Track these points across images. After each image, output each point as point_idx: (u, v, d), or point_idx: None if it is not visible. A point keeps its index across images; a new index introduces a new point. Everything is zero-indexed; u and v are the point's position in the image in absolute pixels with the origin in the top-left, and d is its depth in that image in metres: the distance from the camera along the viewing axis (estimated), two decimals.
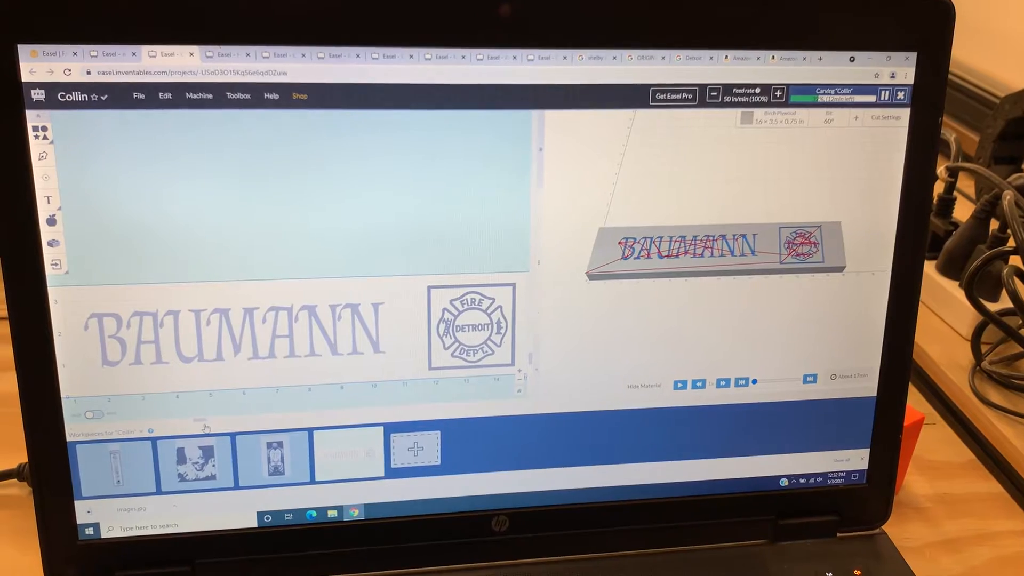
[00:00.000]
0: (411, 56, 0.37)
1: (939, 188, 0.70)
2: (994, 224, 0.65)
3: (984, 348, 0.62)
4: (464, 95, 0.38)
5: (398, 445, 0.41)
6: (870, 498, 0.47)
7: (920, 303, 0.44)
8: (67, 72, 0.35)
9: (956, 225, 0.69)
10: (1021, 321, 0.59)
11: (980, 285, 0.60)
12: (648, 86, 0.39)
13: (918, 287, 0.44)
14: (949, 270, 0.67)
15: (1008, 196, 0.59)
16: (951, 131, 0.73)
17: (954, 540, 0.50)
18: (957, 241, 0.66)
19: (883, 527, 0.48)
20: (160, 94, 0.36)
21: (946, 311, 0.67)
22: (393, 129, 0.38)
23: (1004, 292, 0.57)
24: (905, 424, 0.47)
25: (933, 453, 0.56)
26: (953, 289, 0.66)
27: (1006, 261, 0.59)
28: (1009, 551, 0.50)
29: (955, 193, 0.70)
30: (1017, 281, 0.57)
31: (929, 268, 0.68)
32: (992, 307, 0.61)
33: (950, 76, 0.43)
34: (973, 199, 0.82)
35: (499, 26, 0.38)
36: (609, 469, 0.44)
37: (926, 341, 0.65)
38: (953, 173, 0.69)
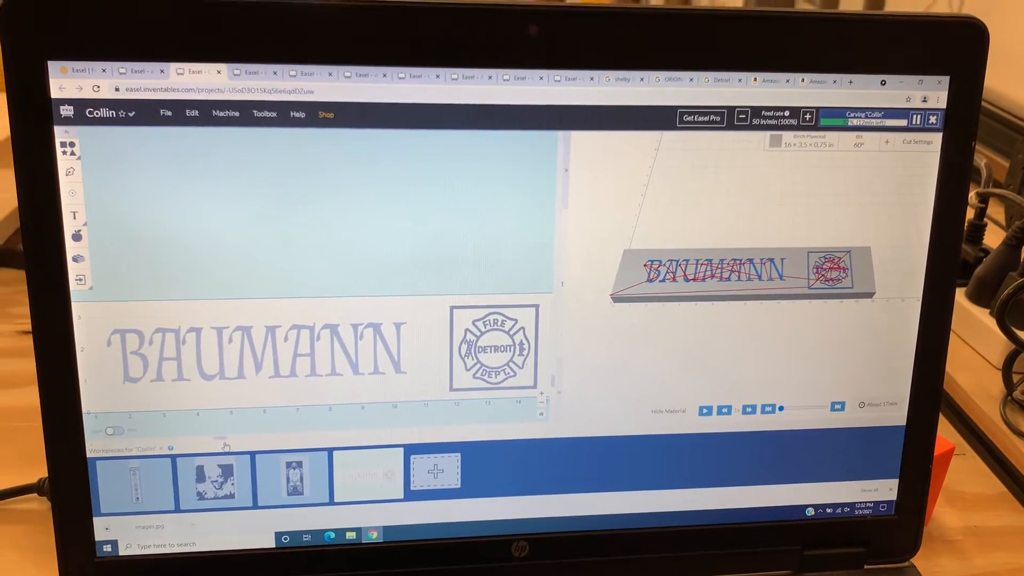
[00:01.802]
0: (438, 76, 0.37)
1: (969, 214, 0.69)
2: None
3: (1016, 378, 0.60)
4: (490, 115, 0.38)
5: (418, 467, 0.41)
6: (899, 530, 0.45)
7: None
8: (96, 89, 0.36)
9: (987, 252, 0.68)
10: None
11: (1012, 313, 0.59)
12: (675, 108, 0.39)
13: (950, 314, 0.43)
14: (979, 298, 0.66)
15: None
16: (981, 156, 0.72)
17: (985, 575, 0.49)
18: (988, 268, 0.65)
19: (912, 560, 0.46)
20: (187, 111, 0.36)
21: (976, 339, 0.65)
22: (419, 148, 0.38)
23: None
24: (935, 454, 0.46)
25: (963, 485, 0.55)
26: (983, 317, 0.65)
27: None
28: None
29: (985, 219, 0.69)
30: None
31: (959, 295, 0.67)
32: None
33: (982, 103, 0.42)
34: (1003, 225, 0.81)
35: (526, 46, 0.38)
36: (632, 496, 0.43)
37: (956, 370, 0.63)
38: (983, 199, 0.68)
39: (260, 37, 0.36)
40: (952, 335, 0.66)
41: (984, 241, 0.70)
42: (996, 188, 0.68)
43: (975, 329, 0.65)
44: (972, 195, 0.67)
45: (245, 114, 0.37)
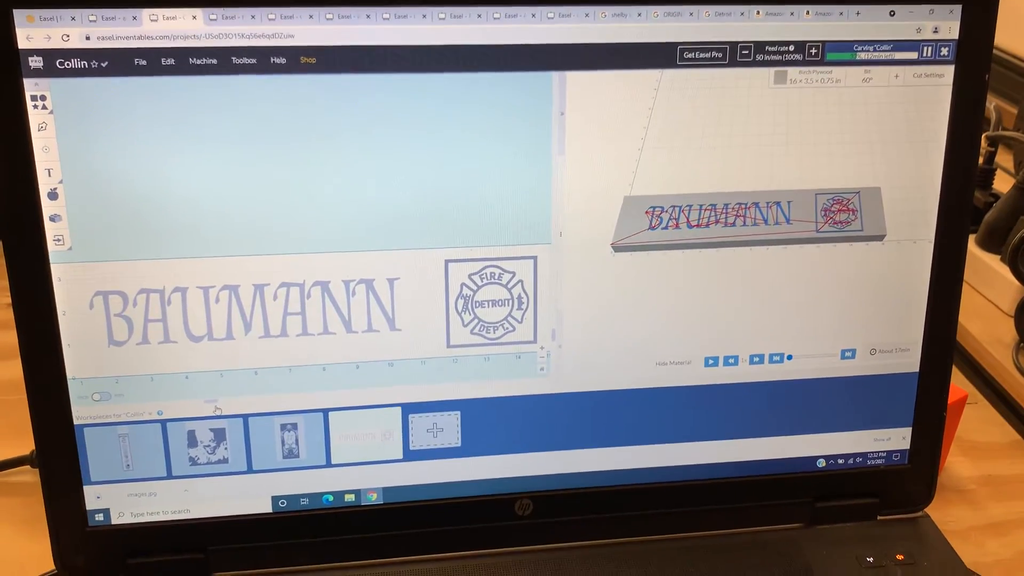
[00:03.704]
0: (424, 16, 0.36)
1: (978, 160, 0.67)
2: None
3: None
4: (480, 56, 0.36)
5: (416, 426, 0.40)
6: (912, 479, 0.44)
7: None
8: (65, 38, 0.34)
9: (997, 197, 0.66)
10: None
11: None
12: (675, 44, 0.37)
13: (963, 256, 0.42)
14: (990, 243, 0.64)
15: None
16: (990, 101, 0.70)
17: (1000, 524, 0.48)
18: (998, 213, 0.64)
19: (926, 510, 0.45)
20: (162, 60, 0.35)
21: (987, 286, 0.64)
22: (406, 94, 0.36)
23: None
24: (948, 402, 0.45)
25: (976, 433, 0.54)
26: (994, 263, 0.63)
27: None
28: None
29: (995, 164, 0.67)
30: None
31: (968, 242, 0.65)
32: None
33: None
34: (1012, 172, 0.79)
35: None
36: (637, 450, 0.42)
37: (966, 317, 0.62)
38: (993, 143, 0.66)
39: None
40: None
41: (994, 187, 0.68)
42: (1006, 131, 0.66)
43: (986, 276, 0.64)
44: (981, 139, 0.65)
45: (223, 61, 0.35)
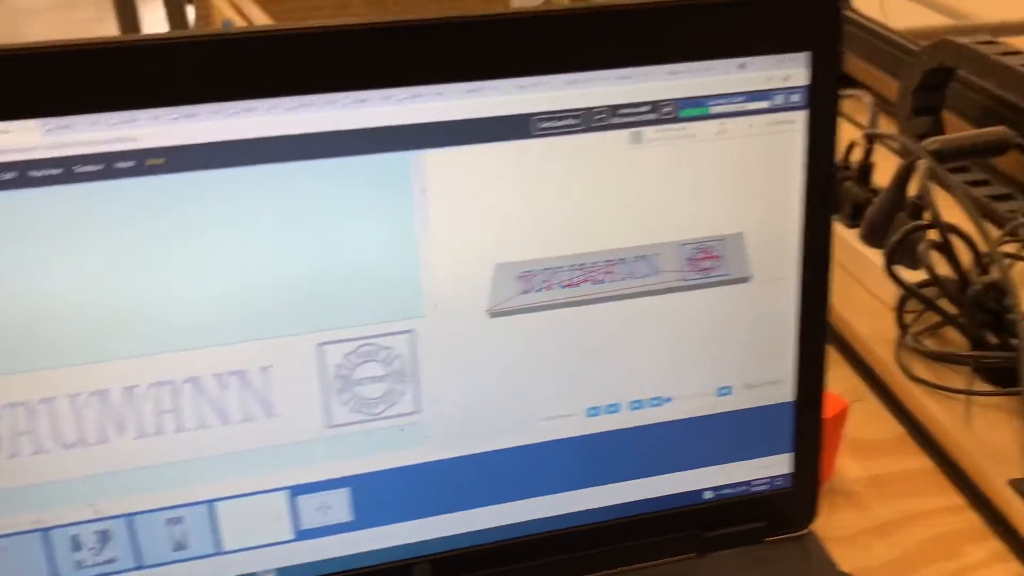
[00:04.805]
0: (272, 107, 0.35)
1: (858, 155, 0.69)
2: (913, 189, 0.64)
3: (909, 318, 0.61)
4: (335, 142, 0.36)
5: (305, 507, 0.40)
6: (796, 501, 0.46)
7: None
8: None
9: (876, 192, 0.68)
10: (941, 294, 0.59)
11: (903, 255, 0.60)
12: (529, 115, 0.37)
13: (827, 289, 0.43)
14: (872, 238, 0.66)
15: (923, 166, 0.58)
16: (865, 92, 0.72)
17: (885, 524, 0.50)
18: (877, 209, 0.66)
19: (816, 518, 0.47)
20: (2, 175, 0.33)
21: (871, 282, 0.66)
22: (263, 185, 0.36)
23: None
24: (830, 415, 0.47)
25: (863, 431, 0.56)
26: (876, 258, 0.65)
27: (925, 232, 0.58)
28: (940, 530, 0.50)
29: (872, 160, 0.69)
30: (934, 255, 0.57)
31: (851, 237, 0.68)
32: (916, 275, 0.61)
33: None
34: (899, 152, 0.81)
35: (365, 67, 0.35)
36: (529, 503, 0.43)
37: (851, 313, 0.64)
38: (870, 140, 0.68)
39: (71, 87, 0.33)
40: (846, 278, 0.67)
41: (875, 177, 0.70)
42: (882, 131, 0.68)
43: (869, 272, 0.66)
44: (860, 136, 0.67)
45: (66, 171, 0.34)
